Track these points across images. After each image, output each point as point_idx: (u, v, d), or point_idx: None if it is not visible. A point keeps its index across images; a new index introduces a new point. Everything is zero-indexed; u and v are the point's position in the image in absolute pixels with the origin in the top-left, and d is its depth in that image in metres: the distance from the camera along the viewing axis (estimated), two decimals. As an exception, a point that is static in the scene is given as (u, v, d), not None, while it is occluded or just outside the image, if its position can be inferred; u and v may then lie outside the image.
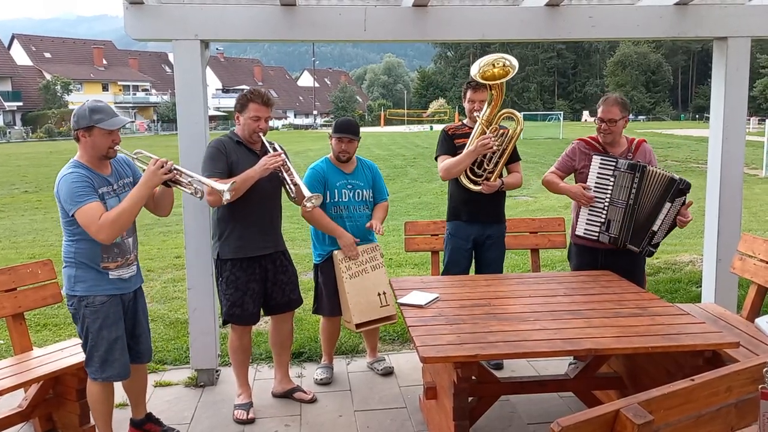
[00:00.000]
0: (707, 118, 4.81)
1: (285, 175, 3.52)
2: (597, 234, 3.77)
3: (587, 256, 3.90)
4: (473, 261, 4.18)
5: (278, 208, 3.77)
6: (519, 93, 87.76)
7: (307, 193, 3.43)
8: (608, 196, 3.75)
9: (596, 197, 3.78)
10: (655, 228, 3.67)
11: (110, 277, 3.05)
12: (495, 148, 3.86)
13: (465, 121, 4.16)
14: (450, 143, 4.05)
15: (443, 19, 4.16)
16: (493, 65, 3.82)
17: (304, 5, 4.06)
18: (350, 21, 4.08)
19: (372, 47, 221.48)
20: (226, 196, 3.13)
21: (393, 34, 4.18)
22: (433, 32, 4.20)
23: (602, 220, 3.75)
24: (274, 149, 3.60)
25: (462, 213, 4.07)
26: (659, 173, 3.68)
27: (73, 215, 2.88)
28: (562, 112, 48.27)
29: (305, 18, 4.06)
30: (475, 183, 3.93)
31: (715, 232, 4.50)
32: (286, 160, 3.53)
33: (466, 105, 4.10)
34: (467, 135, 3.99)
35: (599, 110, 3.84)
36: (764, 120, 24.48)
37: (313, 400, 3.88)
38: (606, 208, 3.74)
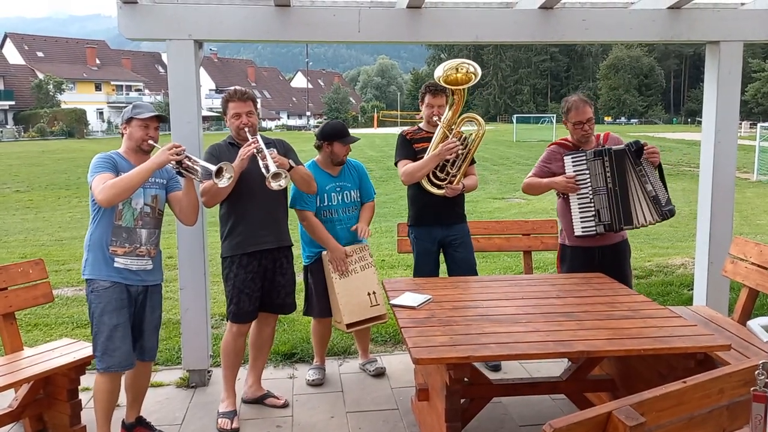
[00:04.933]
0: (699, 122, 4.83)
1: (259, 159, 3.38)
2: (594, 227, 3.78)
3: (582, 257, 3.90)
4: (444, 263, 4.19)
5: (278, 201, 3.66)
6: (512, 96, 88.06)
7: (273, 169, 3.25)
8: (589, 188, 3.76)
9: (581, 193, 3.79)
10: (652, 193, 3.70)
11: (116, 264, 3.09)
12: (459, 152, 3.87)
13: (422, 126, 4.16)
14: (409, 148, 4.05)
15: (437, 20, 4.17)
16: (457, 70, 3.84)
17: (298, 6, 4.06)
18: (344, 22, 4.08)
19: (365, 49, 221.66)
20: (220, 182, 3.08)
21: (387, 35, 4.18)
22: (427, 34, 4.20)
23: (593, 213, 3.77)
24: (254, 139, 3.46)
25: (425, 217, 4.07)
26: (618, 150, 3.72)
27: (91, 187, 3.02)
28: (554, 115, 48.24)
29: (299, 19, 4.06)
30: (438, 187, 3.94)
31: (707, 236, 4.52)
32: (262, 145, 3.39)
33: (424, 110, 4.09)
34: (426, 139, 4.00)
35: (572, 115, 3.83)
36: (756, 124, 24.64)
37: (285, 405, 3.82)
38: (592, 200, 3.76)
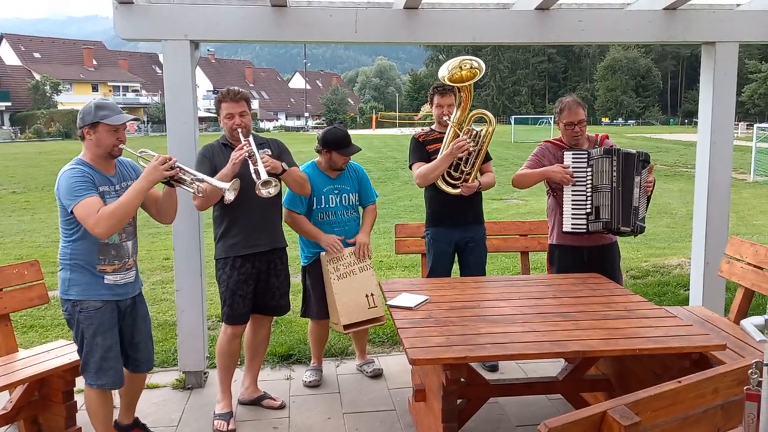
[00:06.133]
0: (696, 123, 4.79)
1: (251, 164, 3.33)
2: (585, 225, 3.76)
3: (570, 257, 3.91)
4: (456, 264, 4.20)
5: (273, 203, 3.62)
6: (510, 96, 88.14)
7: (264, 177, 3.24)
8: (589, 185, 3.75)
9: (576, 190, 3.79)
10: (635, 204, 3.72)
11: (105, 281, 2.97)
12: (471, 149, 3.88)
13: (434, 127, 4.17)
14: (422, 150, 4.06)
15: (434, 21, 4.17)
16: (461, 68, 3.85)
17: (294, 6, 4.06)
18: (341, 22, 4.08)
19: (364, 50, 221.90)
20: (228, 196, 3.08)
21: (384, 35, 4.18)
22: (424, 35, 4.21)
23: (588, 210, 3.75)
24: (247, 141, 3.43)
25: (443, 218, 4.07)
26: (627, 151, 3.76)
27: (72, 211, 2.84)
28: (552, 116, 48.33)
29: (296, 19, 4.06)
30: (454, 186, 3.94)
31: (703, 236, 4.53)
32: (254, 149, 3.36)
33: (434, 111, 4.10)
34: (438, 140, 4.01)
35: (564, 116, 3.84)
36: (752, 125, 24.70)
37: (282, 407, 3.81)
38: (590, 197, 3.75)
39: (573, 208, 3.78)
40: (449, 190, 3.94)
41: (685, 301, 5.17)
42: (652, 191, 3.83)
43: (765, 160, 18.90)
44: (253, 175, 3.28)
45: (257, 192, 3.24)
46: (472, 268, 4.11)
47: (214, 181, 3.12)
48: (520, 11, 4.24)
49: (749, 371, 1.60)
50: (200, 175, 3.10)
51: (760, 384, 1.58)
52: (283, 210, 3.90)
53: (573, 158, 3.79)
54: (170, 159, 2.93)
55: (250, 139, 3.45)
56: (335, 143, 3.92)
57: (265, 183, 3.23)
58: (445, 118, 3.98)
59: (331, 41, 4.21)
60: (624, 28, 4.34)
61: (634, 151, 3.76)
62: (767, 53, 60.76)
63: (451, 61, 3.91)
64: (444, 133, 3.99)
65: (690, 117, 71.36)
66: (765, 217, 11.37)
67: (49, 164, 24.97)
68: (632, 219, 3.71)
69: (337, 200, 4.01)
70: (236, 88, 3.58)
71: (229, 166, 3.34)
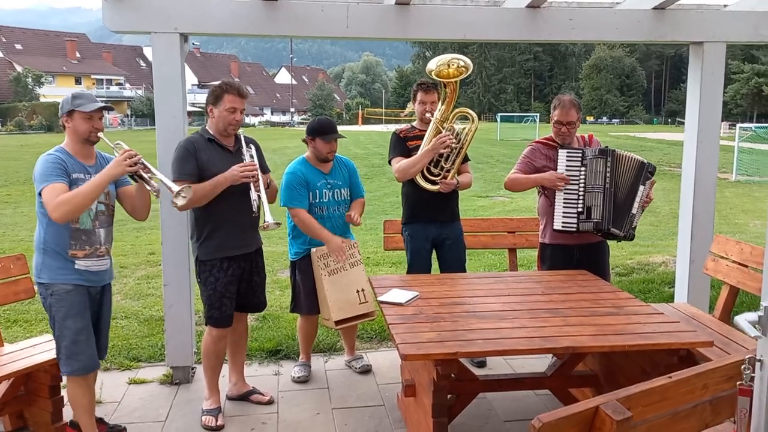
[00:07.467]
0: (680, 123, 4.91)
1: (252, 187, 3.38)
2: (576, 224, 3.78)
3: (561, 255, 3.93)
4: (436, 262, 4.21)
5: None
6: (496, 94, 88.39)
7: (269, 219, 3.32)
8: (581, 185, 3.77)
9: (569, 189, 3.80)
10: (633, 211, 3.75)
11: (77, 266, 3.01)
12: (453, 145, 3.88)
13: (415, 124, 4.17)
14: (403, 145, 4.06)
15: (425, 18, 4.17)
16: (449, 65, 3.87)
17: (285, 0, 4.03)
18: (332, 17, 4.07)
19: (350, 45, 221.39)
20: (179, 202, 3.05)
21: (375, 31, 4.17)
22: (415, 31, 4.20)
23: (580, 209, 3.77)
24: (251, 156, 3.48)
25: (420, 214, 4.08)
26: (628, 156, 3.79)
27: (40, 193, 2.91)
28: (538, 114, 48.55)
29: (287, 13, 4.04)
30: (432, 183, 3.94)
31: (688, 234, 4.58)
32: (259, 174, 3.40)
33: (416, 107, 4.10)
34: (419, 137, 4.02)
35: (556, 113, 3.87)
36: (735, 125, 25.01)
37: (270, 402, 3.81)
38: (581, 197, 3.77)
39: (564, 207, 3.80)
40: (428, 186, 3.94)
41: (669, 299, 5.23)
42: (647, 206, 3.86)
43: (747, 159, 19.18)
44: (253, 203, 3.37)
45: (262, 227, 3.36)
46: (452, 266, 4.12)
47: (168, 182, 3.10)
48: (511, 9, 4.25)
49: (742, 366, 1.62)
50: (159, 174, 3.10)
51: (752, 379, 1.60)
52: (288, 210, 3.90)
53: (567, 156, 3.81)
54: (135, 155, 2.99)
55: (255, 161, 3.48)
56: (319, 129, 3.92)
57: (272, 224, 3.32)
58: (427, 114, 3.98)
59: (322, 36, 4.20)
60: (613, 27, 4.37)
61: (645, 160, 3.78)
62: (750, 54, 61.48)
63: (440, 57, 3.92)
64: (425, 130, 3.99)
65: (673, 116, 72.05)
66: (747, 216, 11.54)
67: (31, 157, 24.59)
68: (626, 224, 3.74)
69: (330, 195, 4.00)
70: (239, 83, 3.60)
71: (230, 178, 3.35)
